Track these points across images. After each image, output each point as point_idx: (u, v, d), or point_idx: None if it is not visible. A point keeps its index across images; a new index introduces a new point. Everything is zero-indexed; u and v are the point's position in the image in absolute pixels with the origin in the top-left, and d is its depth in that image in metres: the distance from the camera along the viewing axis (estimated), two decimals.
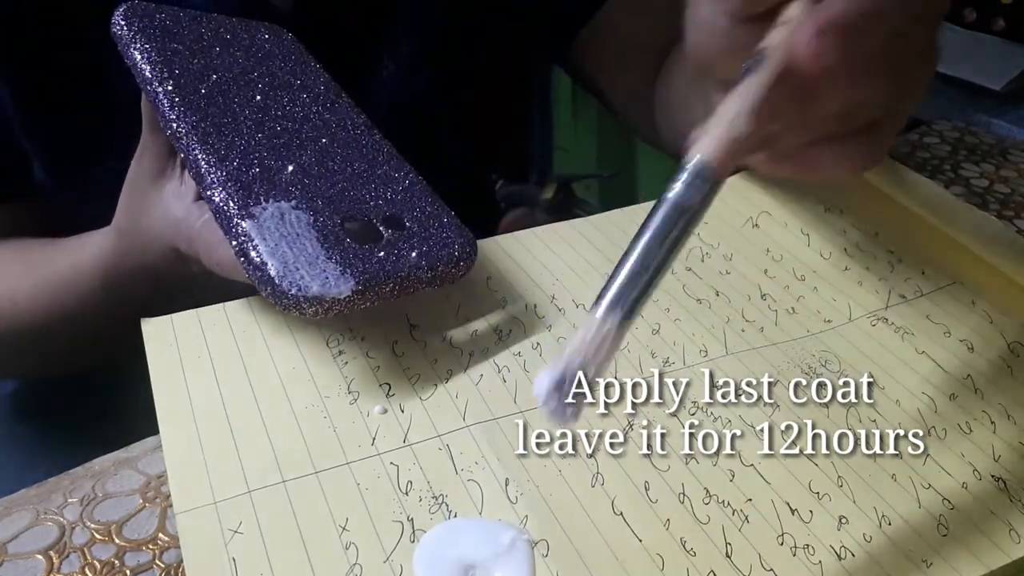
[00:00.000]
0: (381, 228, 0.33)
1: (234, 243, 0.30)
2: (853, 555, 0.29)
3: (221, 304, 0.37)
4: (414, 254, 0.32)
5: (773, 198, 0.47)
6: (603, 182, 1.64)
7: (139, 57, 0.35)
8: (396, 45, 0.51)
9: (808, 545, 0.29)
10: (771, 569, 0.28)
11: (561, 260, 0.42)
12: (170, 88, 0.34)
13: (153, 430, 0.32)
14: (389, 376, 0.34)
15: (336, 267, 0.30)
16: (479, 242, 0.42)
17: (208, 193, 0.31)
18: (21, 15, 0.44)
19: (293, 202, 0.32)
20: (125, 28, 0.35)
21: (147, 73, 0.34)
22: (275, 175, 0.33)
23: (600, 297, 0.23)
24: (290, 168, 0.33)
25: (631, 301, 0.23)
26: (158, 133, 0.37)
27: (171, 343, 0.35)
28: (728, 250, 0.43)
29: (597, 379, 0.23)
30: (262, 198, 0.31)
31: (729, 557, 0.28)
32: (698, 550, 0.28)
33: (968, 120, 0.84)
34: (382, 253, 0.31)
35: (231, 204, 0.30)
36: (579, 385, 0.23)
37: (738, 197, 0.47)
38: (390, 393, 0.33)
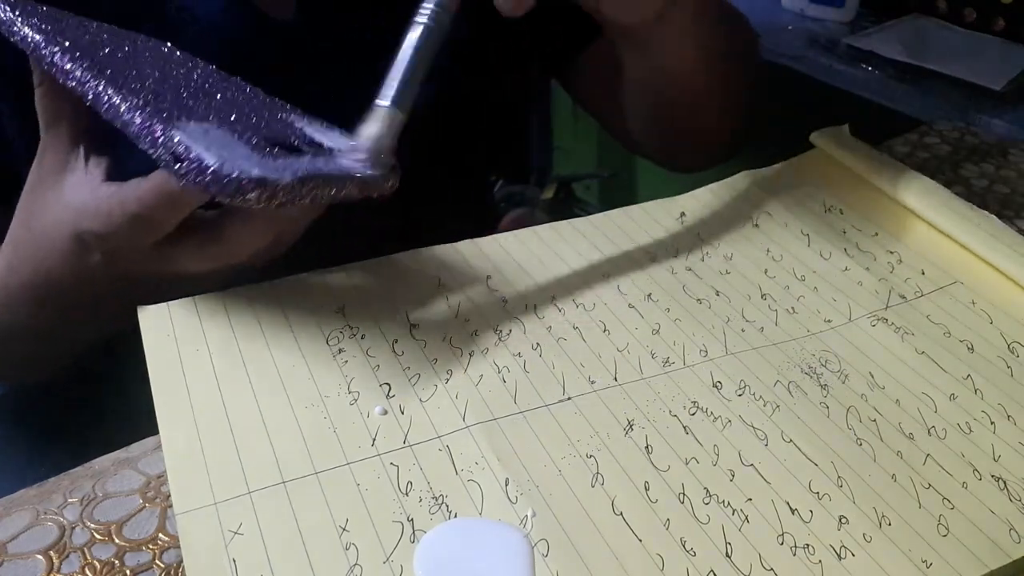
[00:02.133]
0: (304, 147, 0.33)
1: (165, 154, 0.29)
2: (853, 555, 0.29)
3: (219, 292, 0.37)
4: (344, 162, 0.33)
5: (773, 198, 0.47)
6: (603, 182, 1.64)
7: (28, 30, 0.34)
8: None
9: (808, 545, 0.29)
10: (771, 569, 0.28)
11: (561, 260, 0.42)
12: (67, 45, 0.33)
13: (153, 430, 0.32)
14: (389, 376, 0.34)
15: (272, 161, 0.30)
16: (479, 240, 0.42)
17: (128, 118, 0.30)
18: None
19: (215, 124, 0.32)
20: (8, 11, 0.35)
21: (39, 39, 0.33)
22: (190, 107, 0.33)
23: (385, 94, 0.35)
24: (202, 106, 0.33)
25: (408, 98, 0.35)
26: (57, 128, 0.36)
27: (168, 333, 0.35)
28: (728, 250, 0.43)
29: (391, 154, 0.34)
30: (184, 118, 0.31)
31: (729, 557, 0.28)
32: (698, 550, 0.28)
33: (968, 120, 0.84)
34: (315, 159, 0.32)
35: (155, 121, 0.30)
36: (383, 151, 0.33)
37: (738, 197, 0.47)
38: (390, 394, 0.33)
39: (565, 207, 1.57)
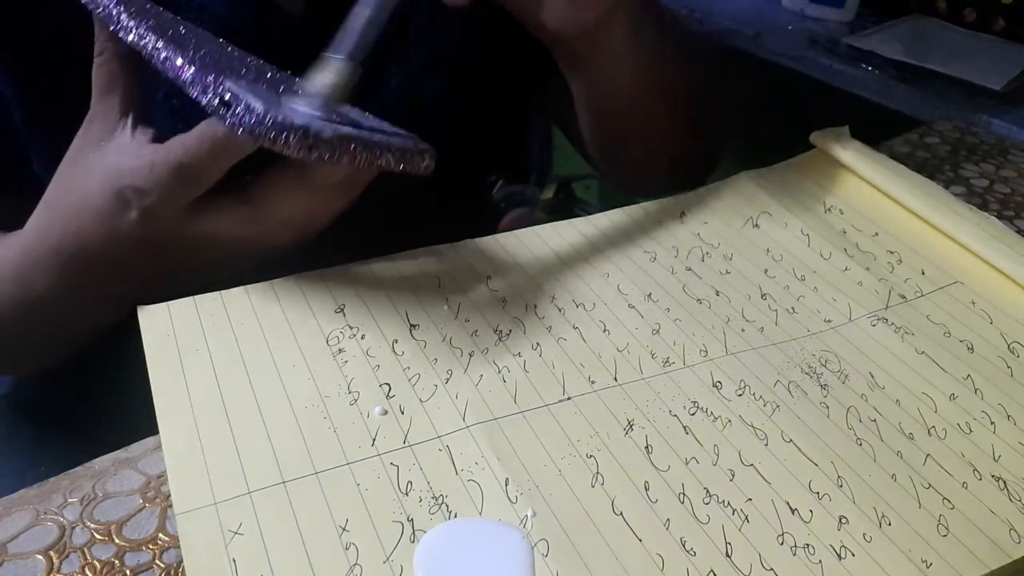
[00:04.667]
0: (345, 122, 0.35)
1: (214, 99, 0.31)
2: (853, 555, 0.29)
3: (218, 292, 0.37)
4: (381, 134, 0.34)
5: (773, 198, 0.47)
6: (603, 182, 1.64)
7: None
8: (405, 55, 0.51)
9: (808, 545, 0.29)
10: (771, 569, 0.28)
11: (561, 260, 0.42)
12: (133, 10, 0.35)
13: (153, 430, 0.32)
14: (389, 376, 0.34)
15: (316, 120, 0.32)
16: (479, 240, 0.42)
17: (182, 68, 0.32)
18: (28, 16, 0.44)
19: (264, 86, 0.34)
20: None
21: (107, 0, 0.35)
22: (241, 73, 0.35)
23: (338, 47, 0.35)
24: (253, 75, 0.35)
25: (362, 50, 0.35)
26: (109, 97, 0.37)
27: (168, 333, 0.35)
28: (728, 250, 0.43)
29: (343, 107, 0.35)
30: (233, 76, 0.33)
31: (729, 557, 0.28)
32: (698, 550, 0.28)
33: (968, 120, 0.84)
34: (352, 126, 0.34)
35: (208, 73, 0.32)
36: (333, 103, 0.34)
37: (739, 197, 0.47)
38: (390, 394, 0.33)
39: (565, 207, 1.57)
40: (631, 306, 0.39)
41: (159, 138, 0.36)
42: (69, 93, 0.38)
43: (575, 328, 0.37)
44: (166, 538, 0.30)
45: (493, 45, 0.54)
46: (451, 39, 0.52)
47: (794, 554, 0.29)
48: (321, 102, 0.34)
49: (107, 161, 0.37)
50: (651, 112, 0.51)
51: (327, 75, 0.35)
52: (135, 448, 0.34)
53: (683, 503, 0.30)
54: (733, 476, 0.31)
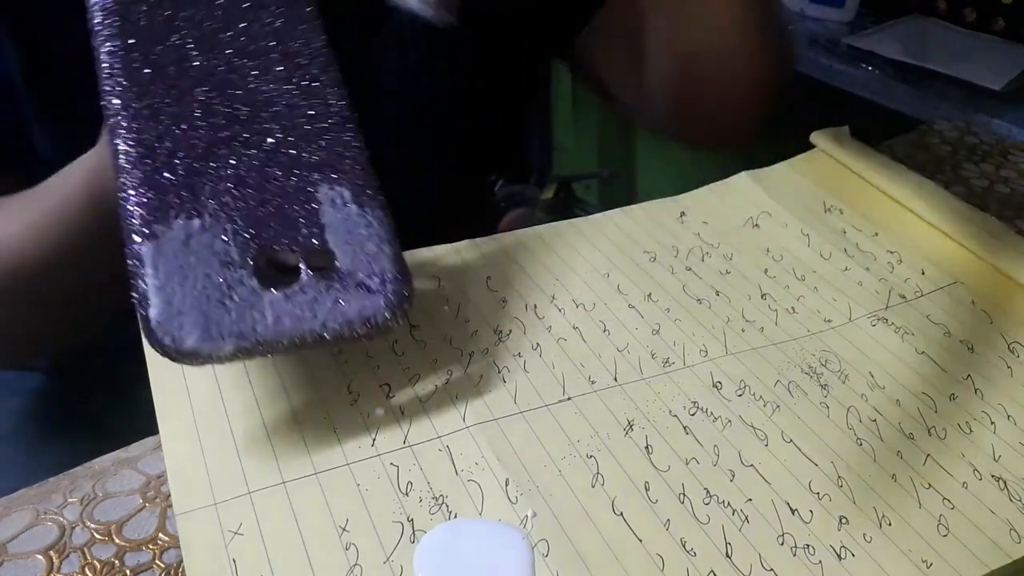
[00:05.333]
0: (302, 266, 0.29)
1: (129, 261, 0.27)
2: (853, 555, 0.29)
3: None
4: (331, 302, 0.28)
5: (773, 198, 0.47)
6: (603, 182, 1.64)
7: (93, 1, 0.31)
8: (400, 53, 0.51)
9: (808, 545, 0.29)
10: (771, 569, 0.28)
11: (561, 260, 0.42)
12: (117, 45, 0.30)
13: (153, 430, 0.32)
14: (389, 376, 0.34)
15: (227, 314, 0.27)
16: (479, 240, 0.42)
17: (121, 193, 0.28)
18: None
19: (208, 221, 0.28)
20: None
21: (97, 22, 0.31)
22: (200, 179, 0.29)
23: None
24: (216, 176, 0.29)
25: None
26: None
27: None
28: (728, 250, 0.43)
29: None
30: (172, 212, 0.28)
31: (729, 557, 0.28)
32: (698, 550, 0.28)
33: (968, 120, 0.84)
34: (292, 301, 0.28)
35: (138, 213, 0.28)
36: None
37: (738, 197, 0.47)
38: (390, 394, 0.33)
39: (565, 207, 1.57)
40: (631, 306, 0.39)
41: None
42: (76, 71, 0.37)
43: (575, 328, 0.37)
44: (166, 538, 0.30)
45: (493, 44, 0.54)
46: (450, 38, 0.52)
47: (794, 554, 0.29)
48: None
49: None
50: (743, 48, 0.49)
51: None
52: (135, 448, 0.34)
53: (683, 503, 0.30)
54: (733, 476, 0.31)
